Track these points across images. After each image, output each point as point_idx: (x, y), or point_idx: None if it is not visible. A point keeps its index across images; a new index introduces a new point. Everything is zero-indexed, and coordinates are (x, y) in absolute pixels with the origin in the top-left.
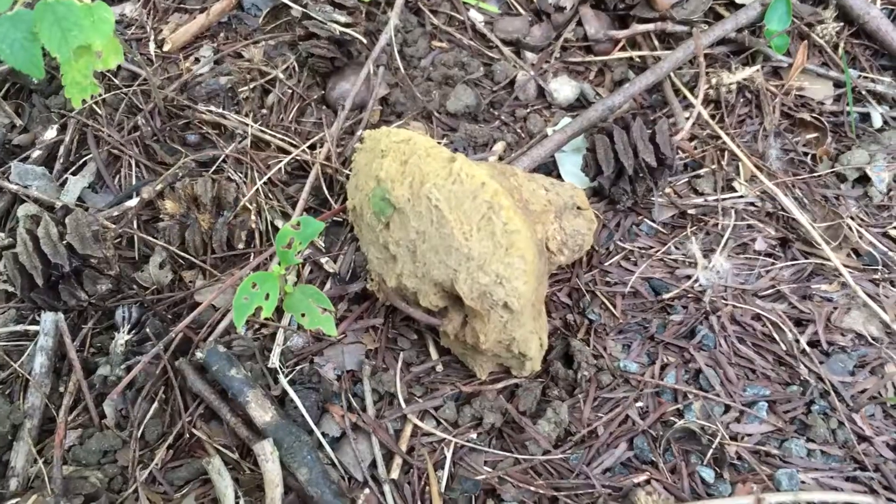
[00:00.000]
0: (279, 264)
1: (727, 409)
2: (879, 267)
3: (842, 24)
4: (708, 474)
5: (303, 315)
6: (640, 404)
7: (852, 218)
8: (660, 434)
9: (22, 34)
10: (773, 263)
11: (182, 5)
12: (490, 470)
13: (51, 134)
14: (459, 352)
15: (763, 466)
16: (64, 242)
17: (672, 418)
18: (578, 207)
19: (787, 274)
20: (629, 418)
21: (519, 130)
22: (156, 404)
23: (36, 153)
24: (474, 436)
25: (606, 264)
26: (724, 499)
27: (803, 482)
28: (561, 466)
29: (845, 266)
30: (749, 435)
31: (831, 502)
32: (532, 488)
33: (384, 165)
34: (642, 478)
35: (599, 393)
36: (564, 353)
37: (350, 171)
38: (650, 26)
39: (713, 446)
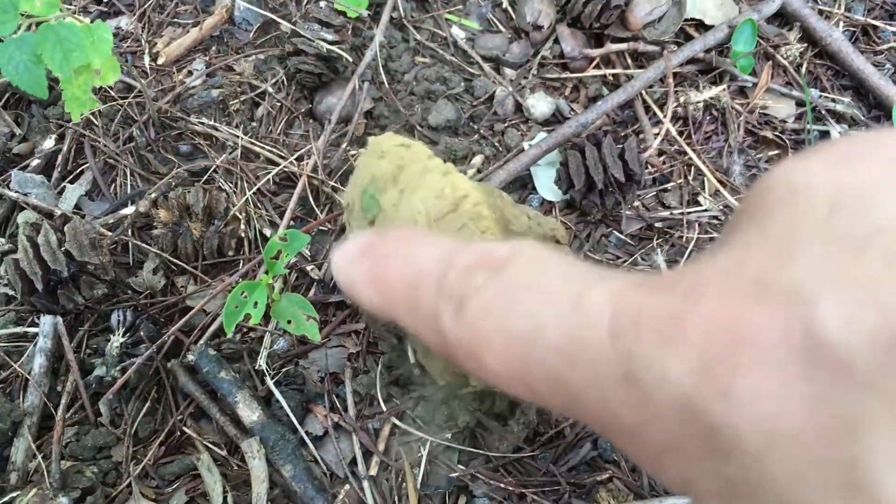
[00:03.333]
0: (267, 273)
1: None
2: None
3: (805, 45)
4: None
5: (289, 322)
6: None
7: None
8: None
9: (26, 56)
10: None
11: (176, 19)
12: (463, 468)
13: (49, 143)
14: (421, 356)
15: None
16: (63, 249)
17: None
18: (557, 241)
19: None
20: None
21: (497, 144)
22: (148, 403)
23: (35, 162)
24: (449, 435)
25: None
26: (681, 497)
27: None
28: (529, 465)
29: None
30: None
31: None
32: (502, 485)
33: (381, 166)
34: (605, 476)
35: None
36: None
37: (334, 181)
38: (623, 45)
39: None
